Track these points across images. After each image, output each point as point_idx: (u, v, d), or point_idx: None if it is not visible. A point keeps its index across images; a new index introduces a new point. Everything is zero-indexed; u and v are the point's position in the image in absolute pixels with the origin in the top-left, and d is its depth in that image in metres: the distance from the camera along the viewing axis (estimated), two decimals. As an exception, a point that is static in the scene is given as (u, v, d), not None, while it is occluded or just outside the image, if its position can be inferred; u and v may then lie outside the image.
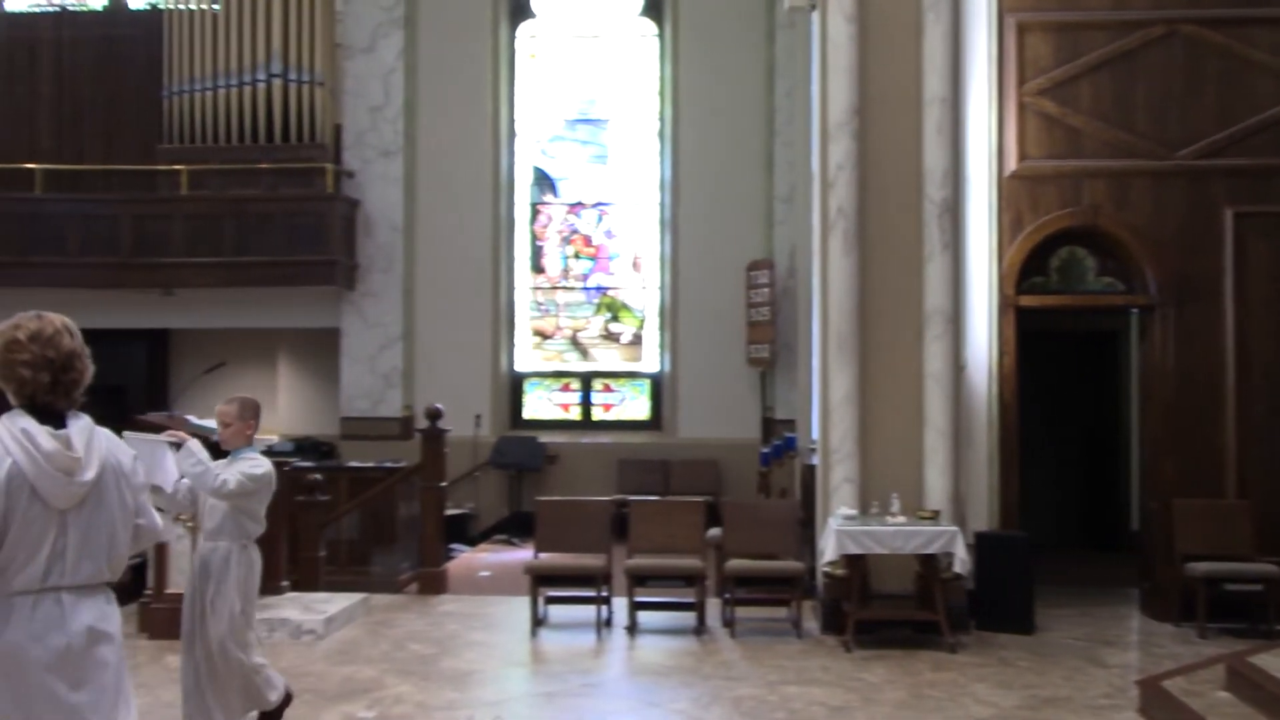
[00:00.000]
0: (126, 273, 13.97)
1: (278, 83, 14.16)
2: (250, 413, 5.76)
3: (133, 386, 14.68)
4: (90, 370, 3.41)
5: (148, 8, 15.01)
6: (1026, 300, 9.43)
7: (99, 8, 15.28)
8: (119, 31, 14.78)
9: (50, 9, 15.09)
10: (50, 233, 14.01)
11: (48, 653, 3.22)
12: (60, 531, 3.26)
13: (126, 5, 15.36)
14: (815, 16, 9.31)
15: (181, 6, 14.36)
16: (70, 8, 15.17)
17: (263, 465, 5.61)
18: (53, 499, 3.23)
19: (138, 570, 8.48)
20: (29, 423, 3.24)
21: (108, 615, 3.38)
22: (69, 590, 3.28)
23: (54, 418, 3.31)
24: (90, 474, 3.30)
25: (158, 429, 6.08)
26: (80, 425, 3.35)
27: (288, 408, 15.23)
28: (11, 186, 14.46)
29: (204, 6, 14.33)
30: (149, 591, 8.52)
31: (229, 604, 5.50)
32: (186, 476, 5.33)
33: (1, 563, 3.19)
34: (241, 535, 5.59)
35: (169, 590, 8.19)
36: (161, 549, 8.22)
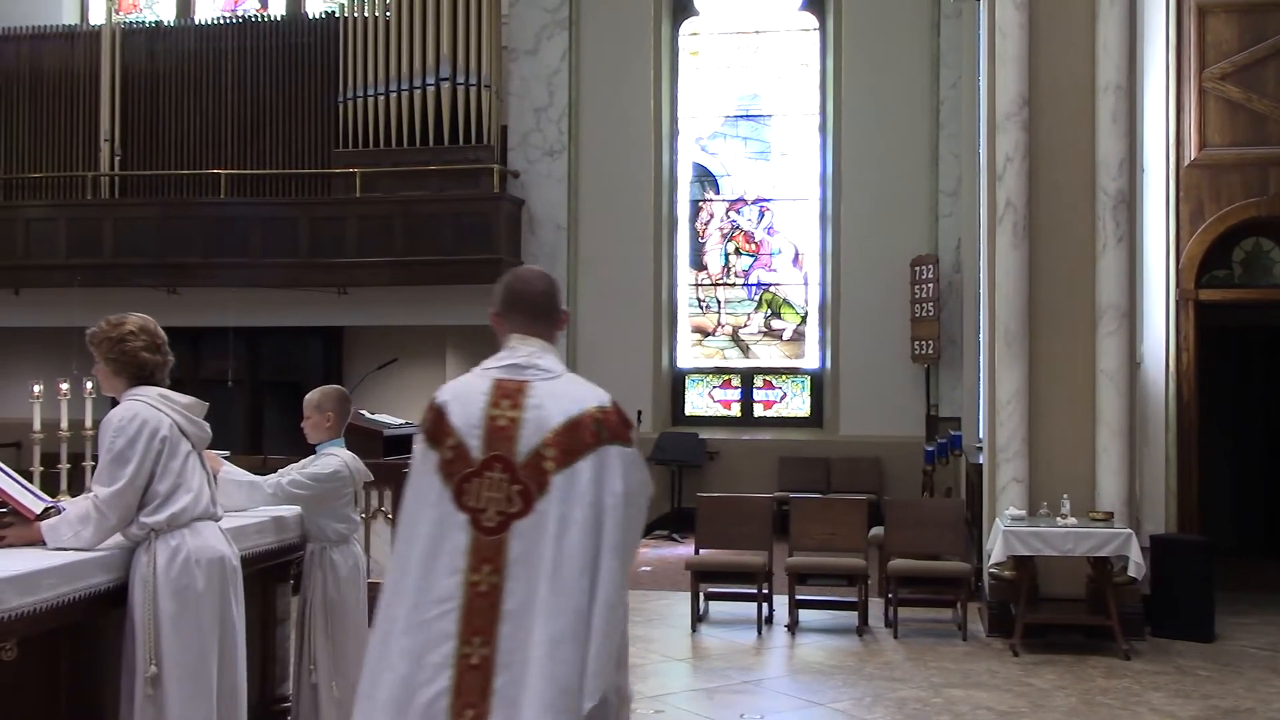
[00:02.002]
0: (304, 273, 14.52)
1: (446, 86, 14.51)
2: (330, 404, 5.35)
3: (309, 382, 15.24)
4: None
5: (324, 16, 15.58)
6: (1207, 294, 9.05)
7: (278, 18, 15.93)
8: (298, 40, 15.34)
9: (234, 20, 15.79)
10: (234, 235, 14.66)
11: (232, 564, 4.17)
12: (204, 468, 4.21)
13: (305, 15, 15.98)
14: (982, 6, 9.11)
15: (356, 15, 14.86)
16: (253, 18, 15.85)
17: (330, 464, 5.25)
18: (197, 441, 4.16)
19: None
20: (159, 390, 4.13)
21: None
22: (217, 519, 4.25)
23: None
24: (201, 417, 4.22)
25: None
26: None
27: (455, 403, 15.61)
28: (200, 191, 15.21)
29: (377, 14, 14.80)
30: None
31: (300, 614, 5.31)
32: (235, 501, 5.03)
33: (169, 496, 4.05)
34: (321, 537, 5.25)
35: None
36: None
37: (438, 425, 3.07)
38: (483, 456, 3.01)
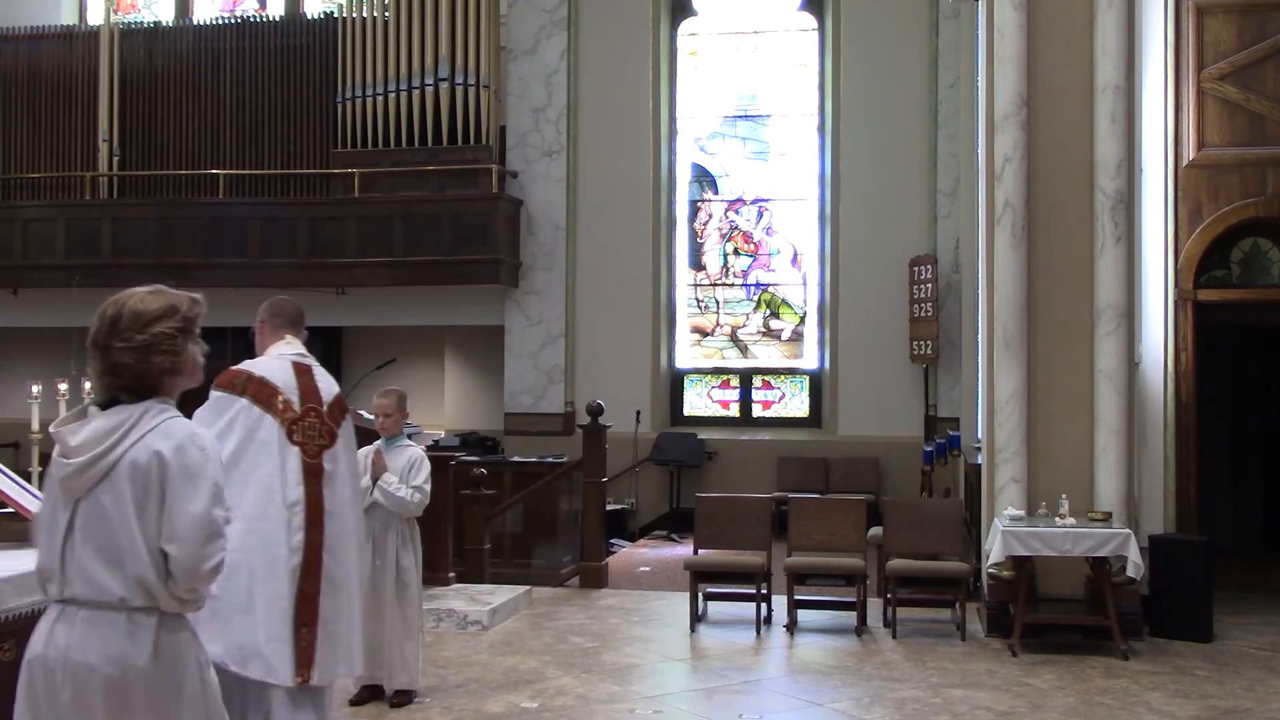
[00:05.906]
0: (303, 273, 14.53)
1: (445, 86, 14.52)
2: (405, 404, 6.66)
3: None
4: (130, 360, 2.85)
5: (322, 17, 15.58)
6: (1205, 294, 9.04)
7: (277, 18, 15.93)
8: (296, 41, 15.36)
9: (232, 21, 15.79)
10: (233, 235, 14.67)
11: (54, 686, 2.83)
12: (69, 530, 2.87)
13: (304, 15, 15.99)
14: (981, 6, 9.10)
15: (355, 15, 14.86)
16: (251, 18, 15.84)
17: (425, 459, 6.61)
18: (65, 487, 2.87)
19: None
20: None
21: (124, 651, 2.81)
22: (82, 605, 2.85)
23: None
24: (80, 457, 2.82)
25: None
26: (125, 408, 2.86)
27: (453, 403, 15.63)
28: (198, 191, 15.22)
29: (376, 14, 14.80)
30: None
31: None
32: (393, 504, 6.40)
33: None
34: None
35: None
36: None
37: (263, 387, 4.39)
38: (302, 408, 4.47)
